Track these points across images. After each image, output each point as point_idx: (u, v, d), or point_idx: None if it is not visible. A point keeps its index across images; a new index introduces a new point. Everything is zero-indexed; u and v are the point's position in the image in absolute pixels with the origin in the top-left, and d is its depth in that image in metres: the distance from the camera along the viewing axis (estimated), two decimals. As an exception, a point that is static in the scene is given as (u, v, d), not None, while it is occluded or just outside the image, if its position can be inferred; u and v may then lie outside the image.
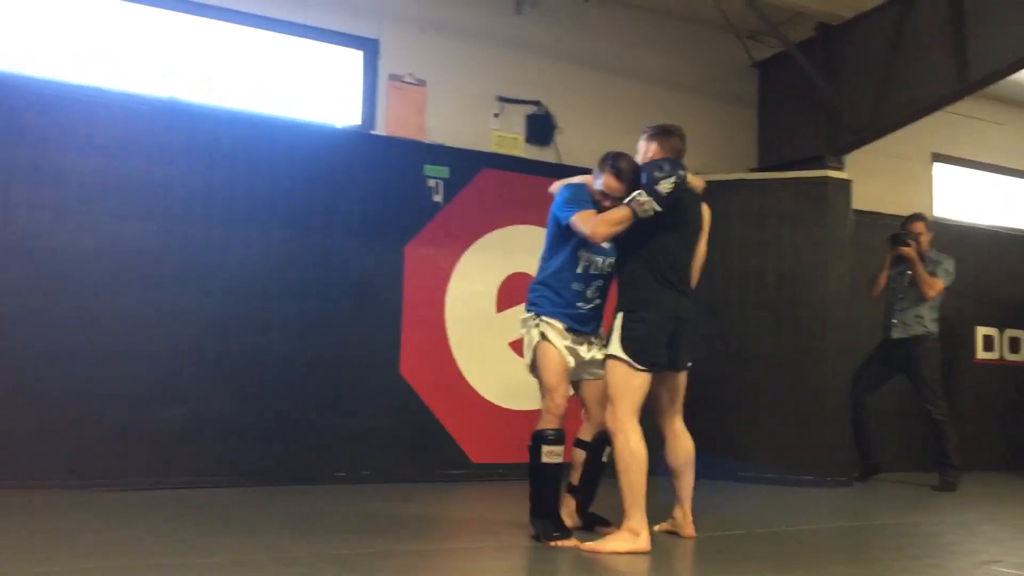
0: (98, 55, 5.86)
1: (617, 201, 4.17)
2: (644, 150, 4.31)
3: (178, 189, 5.70)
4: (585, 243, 4.28)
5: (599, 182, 4.29)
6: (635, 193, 4.09)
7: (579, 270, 4.34)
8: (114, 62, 5.90)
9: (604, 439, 4.38)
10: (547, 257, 4.44)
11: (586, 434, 4.51)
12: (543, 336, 4.29)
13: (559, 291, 4.34)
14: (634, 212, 4.07)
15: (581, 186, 4.37)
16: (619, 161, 4.26)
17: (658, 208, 4.04)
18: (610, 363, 4.16)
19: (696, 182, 4.32)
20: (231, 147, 5.86)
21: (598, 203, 4.28)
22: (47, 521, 4.40)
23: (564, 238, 4.35)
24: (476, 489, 6.11)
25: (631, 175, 4.20)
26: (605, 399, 4.27)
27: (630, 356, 4.09)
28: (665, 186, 4.03)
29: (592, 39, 7.38)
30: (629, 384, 4.10)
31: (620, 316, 4.18)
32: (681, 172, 4.08)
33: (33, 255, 5.33)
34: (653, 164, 4.12)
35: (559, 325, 4.31)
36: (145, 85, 5.91)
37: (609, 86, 7.40)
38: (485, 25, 6.98)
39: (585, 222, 4.15)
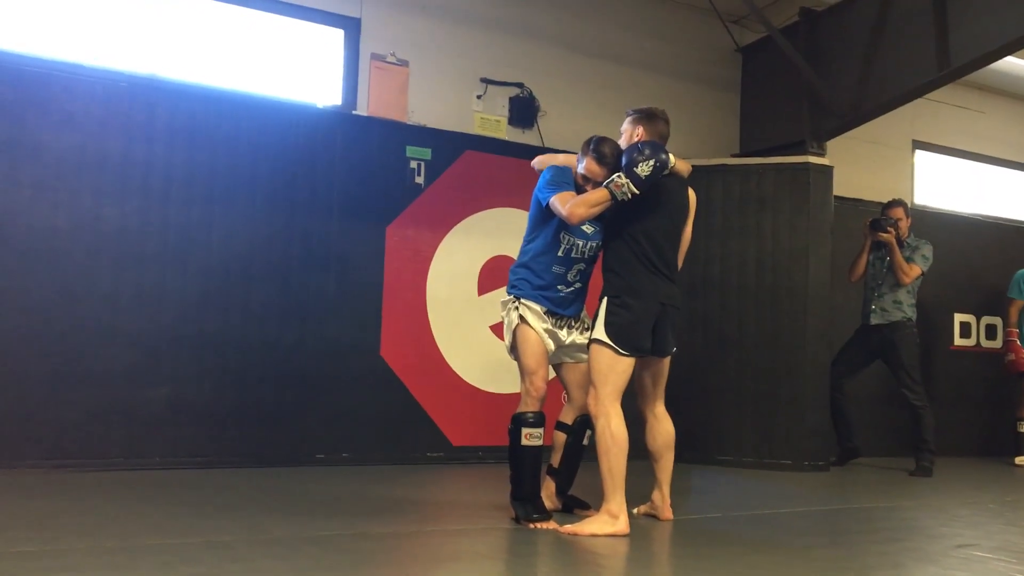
0: (77, 31, 5.78)
1: (598, 186, 4.16)
2: (629, 133, 4.30)
3: (158, 167, 5.65)
4: (567, 226, 4.27)
5: (581, 166, 4.29)
6: (614, 175, 4.08)
7: (560, 253, 4.33)
8: (94, 38, 5.82)
9: (585, 422, 4.39)
10: (529, 239, 4.44)
11: (567, 417, 4.52)
12: (522, 319, 4.28)
13: (540, 273, 4.33)
14: (612, 194, 4.06)
15: (565, 169, 4.36)
16: (601, 146, 4.24)
17: (636, 190, 4.03)
18: (594, 347, 4.16)
19: (683, 166, 4.30)
20: (212, 125, 5.80)
21: (580, 187, 4.27)
22: (24, 501, 4.36)
23: (546, 220, 4.33)
24: (456, 471, 6.11)
25: (613, 160, 4.19)
26: (586, 382, 4.28)
27: (614, 341, 4.09)
28: (644, 169, 4.02)
29: (576, 22, 7.35)
30: (613, 369, 4.10)
31: (605, 301, 4.18)
32: (663, 156, 4.06)
33: (9, 232, 5.27)
34: (634, 147, 4.11)
35: (538, 308, 4.30)
36: (125, 62, 5.84)
37: (593, 69, 7.38)
38: (468, 6, 6.94)
39: (563, 203, 4.14)
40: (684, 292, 5.51)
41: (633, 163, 4.04)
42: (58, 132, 5.40)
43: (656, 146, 4.10)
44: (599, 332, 4.13)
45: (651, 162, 4.02)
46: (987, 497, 5.97)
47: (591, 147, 4.27)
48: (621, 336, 4.10)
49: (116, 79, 5.61)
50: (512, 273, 4.43)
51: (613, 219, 4.25)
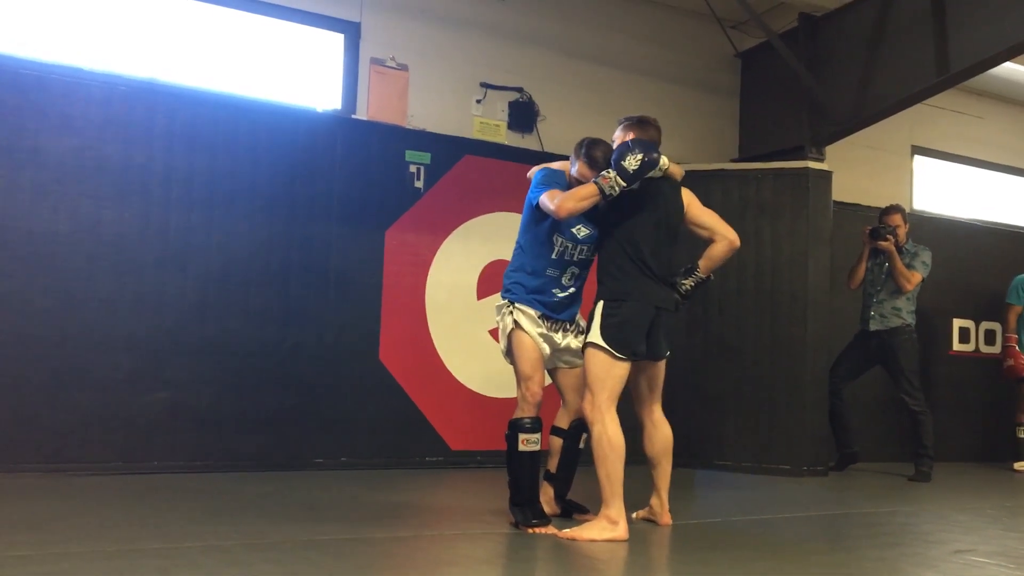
0: (76, 35, 5.79)
1: None
2: (620, 140, 4.30)
3: (157, 172, 5.65)
4: (560, 228, 4.28)
5: (574, 169, 4.31)
6: (603, 171, 4.10)
7: (554, 256, 4.33)
8: (93, 42, 5.83)
9: (580, 427, 4.39)
10: (521, 243, 4.43)
11: (562, 421, 4.52)
12: (516, 324, 4.29)
13: (534, 277, 4.33)
14: (600, 188, 4.06)
15: (557, 171, 4.38)
16: (593, 149, 4.25)
17: (623, 183, 4.04)
18: (589, 351, 4.16)
19: (675, 170, 4.31)
20: (211, 129, 5.81)
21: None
22: (22, 505, 4.37)
23: (537, 222, 4.34)
24: (454, 476, 6.11)
25: (604, 164, 4.19)
26: (581, 387, 4.27)
27: (610, 344, 4.09)
28: (631, 163, 4.02)
29: (576, 26, 7.36)
30: (609, 373, 4.10)
31: (600, 304, 4.18)
32: (654, 155, 4.06)
33: (8, 236, 5.27)
34: (624, 144, 4.13)
35: (532, 312, 4.30)
36: (124, 66, 5.85)
37: (592, 74, 7.39)
38: (468, 10, 6.94)
39: (552, 199, 4.14)
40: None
41: (621, 157, 4.05)
42: (57, 136, 5.41)
43: (647, 144, 4.11)
44: (595, 335, 4.13)
45: (639, 157, 4.02)
46: (986, 503, 5.96)
47: (583, 150, 4.27)
48: (617, 339, 4.10)
49: (115, 83, 5.61)
50: (506, 277, 4.43)
51: (607, 222, 4.25)
